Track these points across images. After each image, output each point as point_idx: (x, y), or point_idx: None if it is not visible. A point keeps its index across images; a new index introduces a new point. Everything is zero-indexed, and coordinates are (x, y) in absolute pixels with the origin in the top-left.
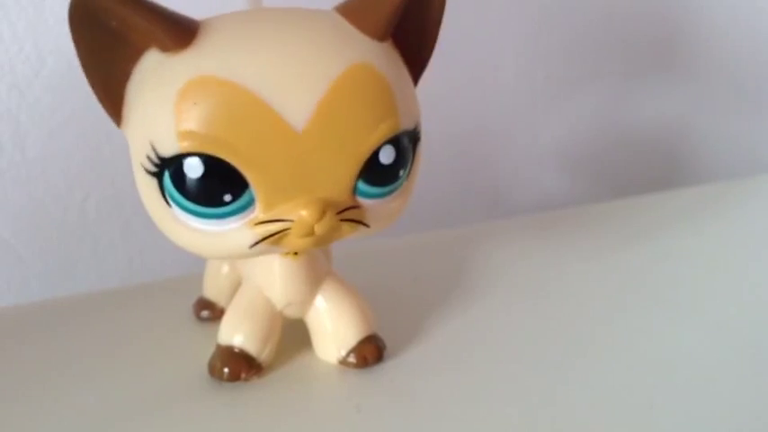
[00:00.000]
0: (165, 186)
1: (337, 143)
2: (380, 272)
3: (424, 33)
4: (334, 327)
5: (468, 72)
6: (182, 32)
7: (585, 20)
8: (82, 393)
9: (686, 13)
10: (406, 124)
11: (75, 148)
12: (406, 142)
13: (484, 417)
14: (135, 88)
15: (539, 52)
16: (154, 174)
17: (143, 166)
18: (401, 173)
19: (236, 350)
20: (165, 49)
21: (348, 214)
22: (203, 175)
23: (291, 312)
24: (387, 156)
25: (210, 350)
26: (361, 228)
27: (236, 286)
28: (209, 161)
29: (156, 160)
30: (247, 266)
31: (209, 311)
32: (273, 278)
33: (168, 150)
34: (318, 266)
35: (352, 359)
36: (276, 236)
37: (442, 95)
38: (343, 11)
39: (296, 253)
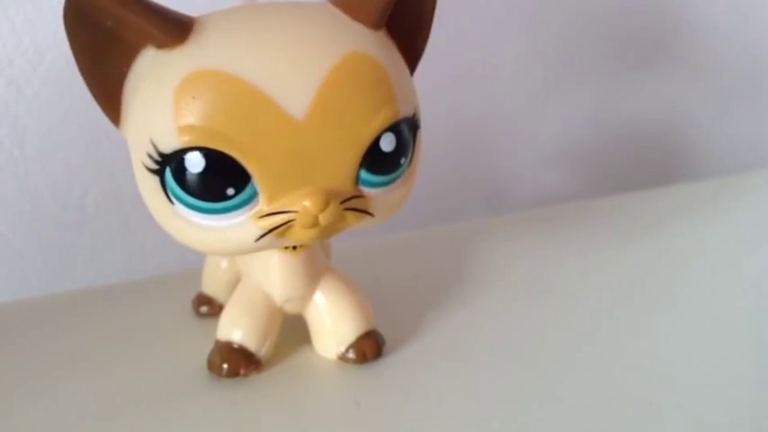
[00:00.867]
0: (167, 183)
1: (338, 131)
2: (379, 267)
3: (419, 21)
4: (333, 322)
5: (468, 68)
6: (177, 29)
7: (584, 16)
8: (81, 389)
9: (685, 8)
10: (405, 111)
11: (74, 143)
12: (406, 129)
13: (483, 412)
14: (132, 87)
15: (538, 48)
16: (155, 171)
17: (144, 164)
18: (402, 160)
19: (236, 346)
20: (160, 46)
21: (352, 203)
22: (205, 170)
23: (291, 308)
24: (388, 143)
25: (210, 346)
26: (366, 217)
27: (235, 282)
28: (211, 155)
29: (157, 157)
30: (246, 262)
31: (209, 307)
32: (272, 274)
33: (168, 146)
34: (317, 262)
35: (351, 355)
36: (281, 228)
37: (441, 92)
38: (337, 1)
39: (295, 248)
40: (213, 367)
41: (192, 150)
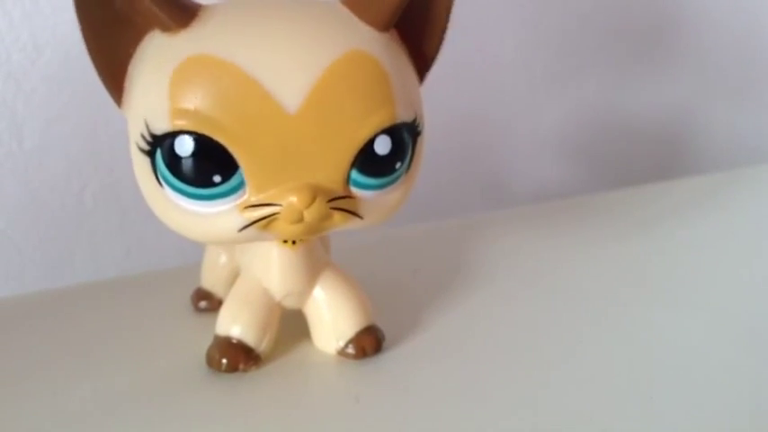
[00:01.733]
0: (158, 165)
1: (330, 129)
2: (379, 262)
3: (431, 28)
4: (332, 317)
5: (467, 62)
6: (182, 13)
7: (585, 8)
8: (80, 384)
9: (687, 1)
10: (404, 116)
11: (73, 138)
12: (403, 135)
13: (482, 407)
14: (136, 69)
15: (538, 41)
16: (147, 152)
17: (137, 145)
18: (398, 165)
19: (234, 341)
20: (165, 29)
21: (340, 203)
22: (193, 155)
23: (290, 303)
24: (382, 146)
25: (209, 341)
26: (354, 219)
27: (234, 277)
28: (200, 140)
29: (149, 138)
30: (246, 257)
31: (208, 302)
32: (272, 268)
33: (160, 128)
34: (317, 257)
35: (350, 350)
36: (265, 220)
37: (440, 85)
38: (347, 0)
39: (294, 243)
40: (212, 362)
41: (182, 134)
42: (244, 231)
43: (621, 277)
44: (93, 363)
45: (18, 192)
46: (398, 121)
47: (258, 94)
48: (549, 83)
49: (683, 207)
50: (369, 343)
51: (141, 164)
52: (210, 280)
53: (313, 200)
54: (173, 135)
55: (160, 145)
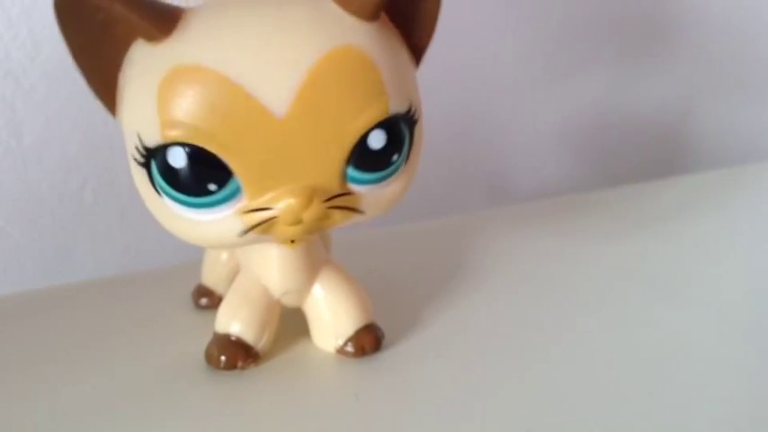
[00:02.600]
0: (154, 176)
1: (321, 129)
2: (379, 260)
3: (423, 12)
4: (332, 315)
5: (467, 58)
6: (163, 21)
7: (585, 5)
8: (79, 381)
9: None
10: (398, 107)
11: (72, 135)
12: (398, 126)
13: (482, 405)
14: (126, 78)
15: (538, 38)
16: (142, 164)
17: (133, 157)
18: (395, 157)
19: (233, 338)
20: (148, 38)
21: (338, 201)
22: (186, 165)
23: (289, 301)
24: (377, 140)
25: (209, 338)
26: (355, 215)
27: (234, 274)
28: (192, 150)
29: (143, 150)
30: (245, 254)
31: (208, 299)
32: (271, 267)
33: (152, 140)
34: (316, 255)
35: (349, 348)
36: (265, 224)
37: (440, 81)
38: None
39: (293, 241)
40: (211, 359)
41: (174, 146)
42: (245, 236)
43: (621, 274)
44: (92, 360)
45: (17, 189)
46: (391, 113)
47: (245, 101)
48: (548, 81)
49: (681, 204)
50: (368, 341)
51: (139, 174)
52: (211, 277)
53: (310, 201)
54: (165, 147)
55: (154, 157)
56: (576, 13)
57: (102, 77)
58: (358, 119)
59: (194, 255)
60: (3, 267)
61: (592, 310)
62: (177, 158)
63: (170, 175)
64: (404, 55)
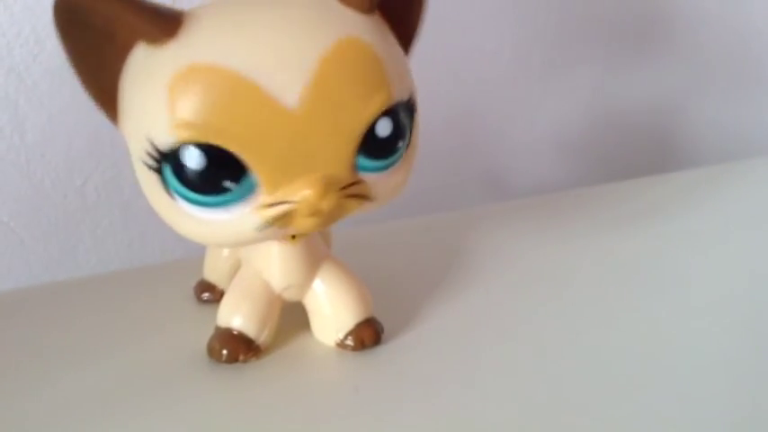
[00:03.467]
0: (168, 180)
1: (332, 119)
2: (378, 255)
3: (411, 2)
4: (332, 310)
5: (465, 57)
6: (167, 23)
7: (581, 5)
8: (83, 375)
9: None
10: (400, 95)
11: (75, 131)
12: (401, 113)
13: (480, 398)
14: (127, 85)
15: (535, 37)
16: (155, 169)
17: (144, 162)
18: (400, 144)
19: (235, 332)
20: (152, 41)
21: (352, 190)
22: (202, 165)
23: (290, 295)
24: (384, 128)
25: (211, 332)
26: (366, 203)
27: (236, 269)
28: (207, 150)
29: (155, 155)
30: (247, 250)
31: (210, 294)
32: (272, 261)
33: (165, 144)
34: (317, 250)
35: (349, 342)
36: (283, 218)
37: (438, 79)
38: None
39: (294, 236)
40: (213, 353)
41: (188, 146)
42: (263, 231)
43: (616, 269)
44: (95, 353)
45: (21, 185)
46: (396, 101)
47: (257, 96)
48: (545, 79)
49: (676, 200)
50: (368, 335)
51: (149, 180)
52: (213, 272)
53: (327, 191)
54: (178, 149)
55: (167, 160)
56: (571, 13)
57: (102, 85)
58: (366, 107)
59: (196, 250)
60: (7, 263)
61: (587, 304)
62: (192, 159)
63: (185, 176)
64: (398, 47)
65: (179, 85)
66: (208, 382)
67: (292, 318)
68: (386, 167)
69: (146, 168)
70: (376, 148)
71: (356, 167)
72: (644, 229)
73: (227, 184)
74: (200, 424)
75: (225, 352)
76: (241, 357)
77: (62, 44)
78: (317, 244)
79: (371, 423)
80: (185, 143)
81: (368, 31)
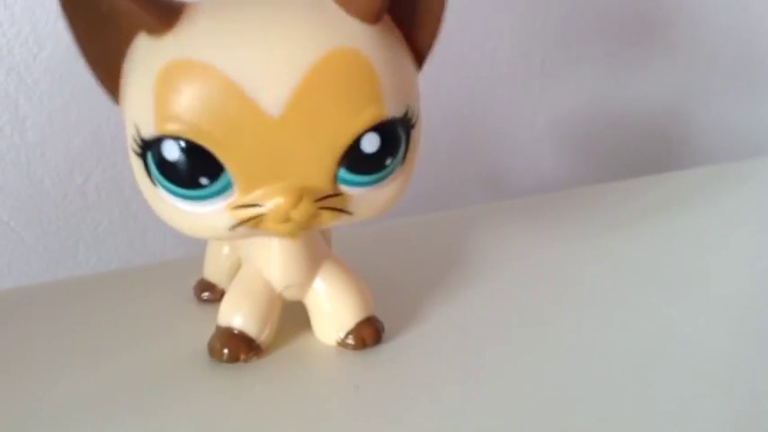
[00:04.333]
0: (150, 167)
1: (314, 131)
2: (379, 254)
3: (426, 13)
4: (332, 309)
5: (465, 55)
6: (165, 15)
7: (582, 2)
8: (83, 374)
9: None
10: (394, 111)
11: (75, 130)
12: (394, 130)
13: (481, 397)
14: (127, 70)
15: (535, 35)
16: (139, 155)
17: (131, 147)
18: (388, 161)
19: (236, 331)
20: (150, 31)
21: (327, 202)
22: (180, 159)
23: (290, 294)
24: (370, 144)
25: (211, 331)
26: (344, 216)
27: (236, 268)
28: (186, 145)
29: (140, 142)
30: (247, 249)
31: (210, 293)
32: (272, 260)
33: (148, 133)
34: (317, 249)
35: (350, 341)
36: (254, 220)
37: (437, 77)
38: None
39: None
40: (214, 352)
41: (168, 139)
42: (234, 230)
43: (617, 268)
44: (96, 353)
45: (21, 184)
46: (386, 117)
47: (240, 99)
48: (545, 77)
49: (677, 199)
50: (368, 334)
51: (136, 164)
52: (213, 271)
53: (299, 200)
54: (159, 140)
55: (149, 148)
56: (571, 11)
57: (107, 66)
58: (352, 122)
59: (196, 249)
60: (7, 262)
61: (588, 303)
62: (171, 151)
63: (164, 166)
64: (405, 58)
65: (166, 78)
66: (209, 381)
67: (293, 317)
68: (371, 183)
69: (133, 153)
70: (360, 163)
71: (336, 180)
72: (646, 228)
73: (203, 180)
74: (200, 423)
75: (226, 351)
76: (242, 357)
77: (67, 27)
78: (317, 243)
79: (372, 422)
80: (165, 136)
81: (368, 41)
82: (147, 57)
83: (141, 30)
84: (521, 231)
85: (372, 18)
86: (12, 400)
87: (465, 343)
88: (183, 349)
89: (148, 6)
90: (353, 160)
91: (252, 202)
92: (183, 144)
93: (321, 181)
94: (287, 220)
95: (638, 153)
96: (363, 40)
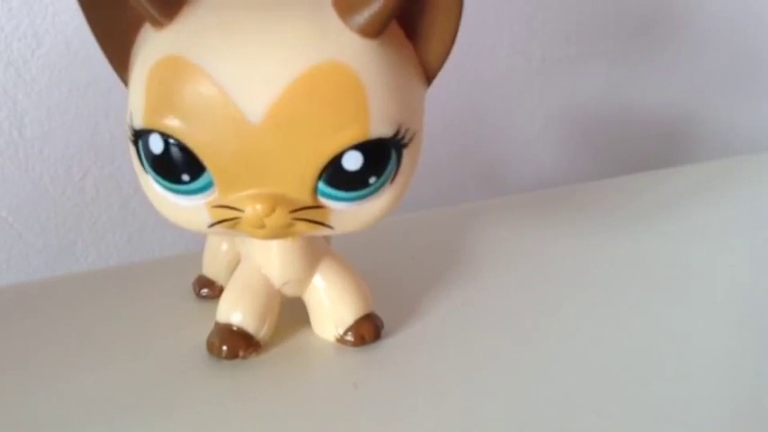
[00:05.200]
0: (141, 154)
1: (293, 143)
2: (378, 250)
3: (438, 28)
4: (332, 305)
5: (464, 52)
6: (165, 8)
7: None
8: (81, 371)
9: None
10: (381, 131)
11: (73, 126)
12: (381, 149)
13: (480, 393)
14: (134, 56)
15: (535, 31)
16: (132, 141)
17: (127, 133)
18: (372, 180)
19: (235, 328)
20: (153, 23)
21: (304, 214)
22: (163, 153)
23: (289, 291)
24: (352, 162)
25: (210, 328)
26: (322, 228)
27: (235, 264)
28: (168, 141)
29: (131, 130)
30: (246, 245)
31: (209, 289)
32: (271, 257)
33: (138, 123)
34: (316, 245)
35: (349, 337)
36: (230, 221)
37: (438, 77)
38: (337, 3)
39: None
40: (213, 349)
41: (155, 133)
42: (213, 227)
43: (618, 264)
44: (94, 350)
45: (19, 180)
46: (371, 137)
47: (222, 102)
48: (546, 74)
49: (679, 196)
50: (368, 330)
51: (132, 149)
52: (212, 268)
53: (273, 210)
54: (148, 132)
55: (139, 138)
56: (573, 8)
57: (117, 52)
58: (332, 138)
59: (195, 245)
60: (6, 258)
61: (589, 299)
62: (156, 145)
63: (150, 157)
64: (407, 75)
65: (157, 72)
66: (207, 378)
67: (292, 313)
68: (353, 199)
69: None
70: (341, 179)
71: (316, 192)
72: (646, 224)
73: (184, 176)
74: (199, 420)
75: (225, 348)
76: (241, 353)
77: (82, 11)
78: (317, 239)
79: (371, 419)
80: (152, 129)
81: (363, 56)
82: (147, 48)
83: (146, 22)
84: (520, 228)
85: (372, 34)
86: (9, 395)
87: (464, 340)
88: (181, 346)
89: (150, 1)
90: (334, 176)
91: (230, 204)
92: (166, 140)
93: (300, 192)
94: (261, 226)
95: (638, 149)
96: (357, 55)
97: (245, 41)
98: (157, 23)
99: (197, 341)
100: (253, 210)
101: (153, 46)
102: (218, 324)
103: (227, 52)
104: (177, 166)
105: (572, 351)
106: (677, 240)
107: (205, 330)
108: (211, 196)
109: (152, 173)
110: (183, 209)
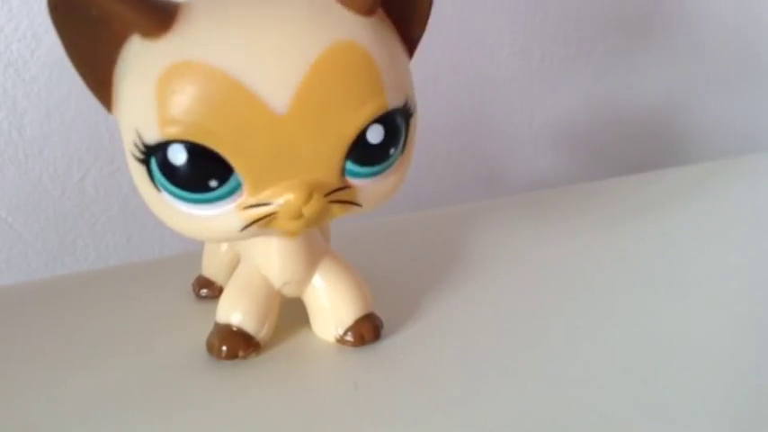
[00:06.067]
0: (153, 173)
1: (321, 126)
2: (378, 251)
3: (417, 3)
4: (331, 305)
5: (464, 52)
6: (160, 17)
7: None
8: (81, 371)
9: None
10: (395, 101)
11: (73, 126)
12: (396, 120)
13: (480, 393)
14: (121, 75)
15: (534, 32)
16: (141, 161)
17: (132, 153)
18: (392, 151)
19: (234, 328)
20: (145, 34)
21: (337, 195)
22: (187, 162)
23: (289, 291)
24: (375, 135)
25: (209, 328)
26: (353, 207)
27: (234, 265)
28: (193, 148)
29: (143, 147)
30: (245, 246)
31: (209, 290)
32: (271, 257)
33: (152, 138)
34: (316, 245)
35: (349, 337)
36: (265, 219)
37: (437, 75)
38: None
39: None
40: (212, 349)
41: (174, 143)
42: (246, 230)
43: (615, 264)
44: (94, 350)
45: (19, 180)
46: (389, 108)
47: (245, 98)
48: (544, 74)
49: (677, 196)
50: (367, 330)
51: (137, 170)
52: (211, 268)
53: (310, 196)
54: (165, 144)
55: (153, 154)
56: (571, 8)
57: (97, 73)
58: (358, 114)
59: (195, 245)
60: (5, 258)
61: (587, 298)
62: (177, 155)
63: (170, 171)
64: (399, 48)
65: (168, 81)
66: (207, 378)
67: (292, 313)
68: (376, 173)
69: (134, 159)
70: (366, 154)
71: (344, 173)
72: (644, 224)
73: (212, 182)
74: (199, 420)
75: (224, 348)
76: (240, 353)
77: (57, 32)
78: (316, 239)
79: (371, 419)
80: (171, 140)
81: (366, 33)
82: (144, 60)
83: (135, 33)
84: (519, 228)
85: (368, 10)
86: (9, 395)
87: (464, 340)
88: (181, 346)
89: (143, 9)
90: (360, 152)
91: (262, 201)
92: (189, 147)
93: (330, 175)
94: (299, 216)
95: (636, 150)
96: (361, 33)
97: (257, 35)
98: (152, 34)
99: (197, 341)
100: (289, 200)
101: (153, 56)
102: (217, 324)
103: (241, 48)
104: (203, 172)
105: (572, 351)
106: (675, 240)
107: (205, 330)
108: (240, 198)
109: (172, 188)
110: (211, 219)
